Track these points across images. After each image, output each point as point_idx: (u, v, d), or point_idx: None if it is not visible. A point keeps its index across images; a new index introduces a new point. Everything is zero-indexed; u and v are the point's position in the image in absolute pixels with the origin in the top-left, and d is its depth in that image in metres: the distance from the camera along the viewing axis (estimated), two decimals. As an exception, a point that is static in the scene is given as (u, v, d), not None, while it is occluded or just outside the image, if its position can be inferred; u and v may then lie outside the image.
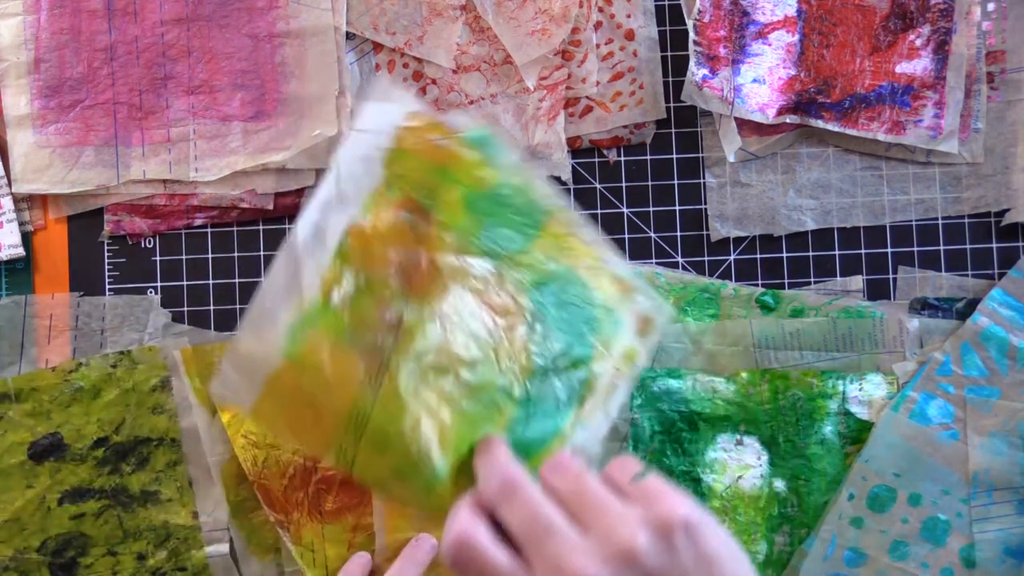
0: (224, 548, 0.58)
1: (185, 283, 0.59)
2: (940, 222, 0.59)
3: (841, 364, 0.56)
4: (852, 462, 0.55)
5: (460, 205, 0.40)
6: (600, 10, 0.58)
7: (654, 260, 0.59)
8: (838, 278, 0.58)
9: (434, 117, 0.41)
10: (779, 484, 0.55)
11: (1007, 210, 0.58)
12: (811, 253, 0.59)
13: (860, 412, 0.55)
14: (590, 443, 0.42)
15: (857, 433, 0.55)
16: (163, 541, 0.58)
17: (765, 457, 0.55)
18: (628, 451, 0.55)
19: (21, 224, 0.58)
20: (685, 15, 0.57)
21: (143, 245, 0.59)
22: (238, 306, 0.59)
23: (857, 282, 0.58)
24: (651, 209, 0.59)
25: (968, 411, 0.55)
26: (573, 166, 0.59)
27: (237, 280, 0.59)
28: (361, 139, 0.40)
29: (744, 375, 0.56)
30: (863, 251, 0.59)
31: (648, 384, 0.55)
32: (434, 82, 0.59)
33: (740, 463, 0.55)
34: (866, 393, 0.55)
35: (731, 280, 0.58)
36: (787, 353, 0.56)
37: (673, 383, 0.55)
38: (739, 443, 0.55)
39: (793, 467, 0.55)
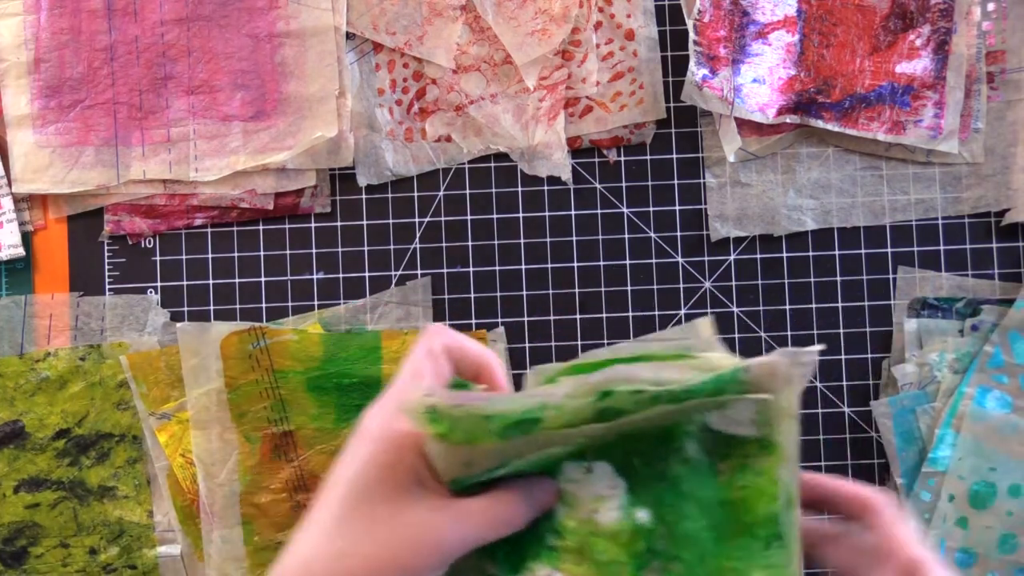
0: (175, 550, 0.58)
1: (185, 283, 0.59)
2: (940, 222, 0.59)
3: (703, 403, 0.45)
4: (787, 490, 0.44)
5: None
6: (600, 10, 0.58)
7: (654, 260, 0.59)
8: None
9: None
10: (642, 515, 0.44)
11: (1007, 210, 0.58)
12: (811, 253, 0.59)
13: (726, 427, 0.45)
14: None
15: (727, 448, 0.45)
16: (116, 537, 0.58)
17: (621, 484, 0.45)
18: None
19: (21, 224, 0.58)
20: (685, 15, 0.57)
21: (143, 245, 0.59)
22: (238, 306, 0.59)
23: (705, 325, 0.57)
24: (651, 209, 0.59)
25: None
26: (573, 166, 0.59)
27: (237, 280, 0.59)
28: None
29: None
30: (863, 251, 0.59)
31: (465, 481, 0.44)
32: (434, 82, 0.59)
33: (592, 494, 0.45)
34: (733, 413, 0.45)
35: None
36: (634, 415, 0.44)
37: (499, 471, 0.43)
38: (588, 471, 0.45)
39: (656, 492, 0.45)
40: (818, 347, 0.43)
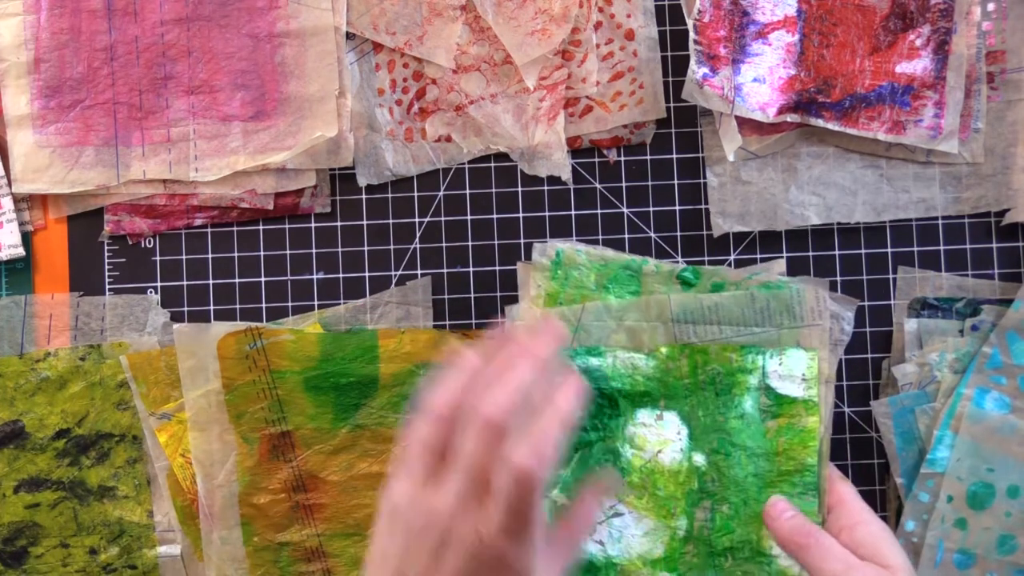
0: (175, 550, 0.58)
1: (185, 283, 0.59)
2: (940, 222, 0.59)
3: (760, 339, 0.54)
4: (821, 447, 0.54)
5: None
6: (600, 10, 0.58)
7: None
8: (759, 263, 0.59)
9: None
10: (699, 458, 0.54)
11: (1007, 210, 0.58)
12: (811, 253, 0.59)
13: (780, 387, 0.54)
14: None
15: (778, 408, 0.54)
16: (116, 537, 0.58)
17: (684, 431, 0.54)
18: None
19: (21, 224, 0.58)
20: (685, 15, 0.57)
21: (143, 245, 0.59)
22: (238, 306, 0.59)
23: (780, 265, 0.57)
24: (651, 209, 0.59)
25: None
26: (573, 166, 0.59)
27: (237, 280, 0.59)
28: None
29: (664, 350, 0.54)
30: (863, 251, 0.59)
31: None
32: (434, 82, 0.59)
33: (660, 437, 0.54)
34: (786, 368, 0.54)
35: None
36: (706, 328, 0.54)
37: (593, 361, 0.54)
38: (659, 418, 0.54)
39: (713, 441, 0.54)
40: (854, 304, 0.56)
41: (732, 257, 0.59)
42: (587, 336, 0.54)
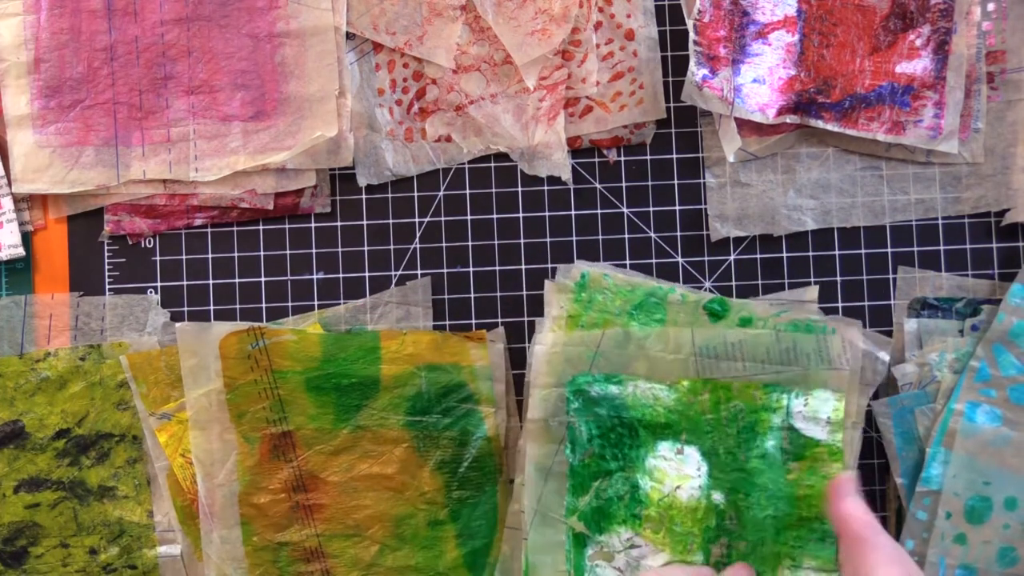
0: (175, 550, 0.58)
1: (185, 283, 0.59)
2: (940, 222, 0.59)
3: (785, 378, 0.54)
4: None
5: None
6: (600, 10, 0.58)
7: (654, 260, 0.59)
8: (787, 289, 0.58)
9: None
10: (717, 496, 0.54)
11: (1007, 210, 0.58)
12: (811, 253, 0.59)
13: (804, 428, 0.54)
14: None
15: (801, 449, 0.54)
16: (116, 537, 0.58)
17: (705, 468, 0.54)
18: (565, 453, 0.54)
19: (21, 224, 0.58)
20: (685, 15, 0.57)
21: (143, 245, 0.59)
22: (238, 306, 0.59)
23: (812, 292, 0.57)
24: (651, 209, 0.59)
25: (1016, 410, 0.55)
26: (573, 166, 0.59)
27: (237, 280, 0.59)
28: None
29: (685, 383, 0.54)
30: (863, 251, 0.59)
31: (586, 389, 0.54)
32: (434, 82, 0.59)
33: (679, 472, 0.54)
34: (811, 409, 0.54)
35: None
36: (729, 363, 0.54)
37: (612, 388, 0.54)
38: (679, 452, 0.54)
39: (732, 480, 0.54)
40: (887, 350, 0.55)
41: (732, 258, 0.59)
42: (607, 363, 0.54)
